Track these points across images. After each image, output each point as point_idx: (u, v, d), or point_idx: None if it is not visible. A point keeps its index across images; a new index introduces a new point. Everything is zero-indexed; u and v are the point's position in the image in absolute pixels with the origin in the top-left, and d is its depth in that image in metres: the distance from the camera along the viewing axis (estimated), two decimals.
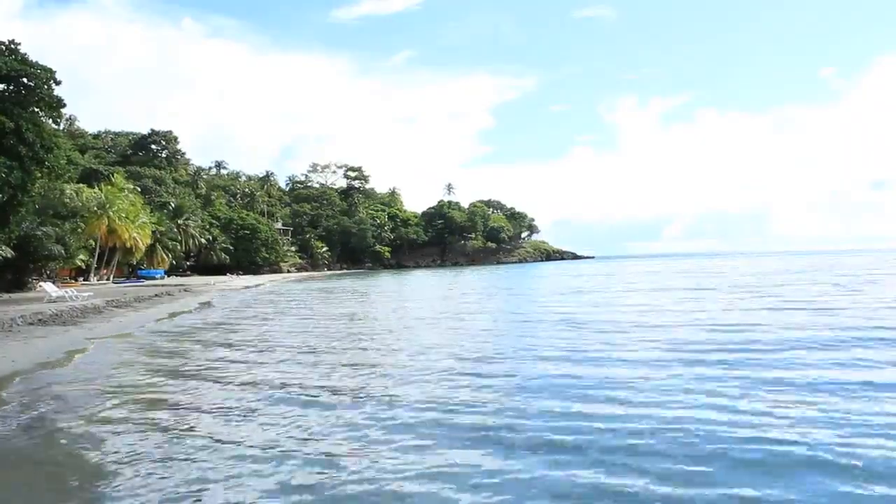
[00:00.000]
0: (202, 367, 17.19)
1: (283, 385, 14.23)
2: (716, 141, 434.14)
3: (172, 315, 34.76)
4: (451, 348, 19.36)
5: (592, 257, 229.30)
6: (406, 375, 15.00)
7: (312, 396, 13.04)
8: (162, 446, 9.84)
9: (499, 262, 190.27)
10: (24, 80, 32.43)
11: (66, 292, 37.23)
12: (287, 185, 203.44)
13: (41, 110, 34.30)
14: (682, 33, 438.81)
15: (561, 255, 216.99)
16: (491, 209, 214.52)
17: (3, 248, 44.46)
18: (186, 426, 10.97)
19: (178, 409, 12.40)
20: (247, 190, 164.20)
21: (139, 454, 9.40)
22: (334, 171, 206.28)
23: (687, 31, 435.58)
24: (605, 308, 32.64)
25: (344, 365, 16.87)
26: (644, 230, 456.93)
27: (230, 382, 14.87)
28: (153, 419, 11.56)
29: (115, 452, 9.51)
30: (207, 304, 43.51)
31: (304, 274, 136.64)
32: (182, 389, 14.28)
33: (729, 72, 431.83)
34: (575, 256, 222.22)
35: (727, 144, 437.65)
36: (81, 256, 66.15)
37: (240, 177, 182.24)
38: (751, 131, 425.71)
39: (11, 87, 32.46)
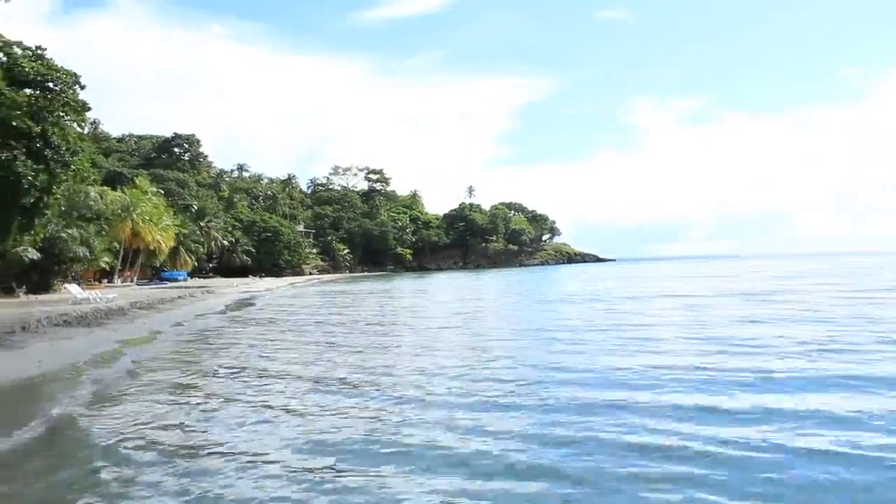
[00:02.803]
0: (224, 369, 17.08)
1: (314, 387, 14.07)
2: (735, 142, 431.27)
3: (198, 316, 34.85)
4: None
5: (614, 260, 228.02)
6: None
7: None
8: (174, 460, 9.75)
9: (520, 265, 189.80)
10: (50, 84, 32.62)
11: (91, 294, 37.37)
12: (309, 187, 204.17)
13: (66, 114, 34.48)
14: (702, 34, 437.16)
15: (582, 258, 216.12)
16: (512, 211, 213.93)
17: (30, 250, 44.77)
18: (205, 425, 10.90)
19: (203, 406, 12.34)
20: (269, 192, 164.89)
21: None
22: (356, 174, 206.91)
23: (706, 32, 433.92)
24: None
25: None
26: (663, 232, 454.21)
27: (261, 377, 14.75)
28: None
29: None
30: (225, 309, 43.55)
31: (327, 276, 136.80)
32: (209, 386, 14.17)
33: (748, 72, 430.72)
34: (596, 259, 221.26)
35: (746, 145, 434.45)
36: (105, 258, 66.47)
37: (262, 179, 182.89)
38: (770, 132, 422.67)
39: (37, 92, 32.61)
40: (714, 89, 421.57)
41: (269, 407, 12.40)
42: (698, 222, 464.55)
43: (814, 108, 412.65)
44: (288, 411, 12.04)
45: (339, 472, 8.61)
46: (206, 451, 9.69)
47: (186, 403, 13.05)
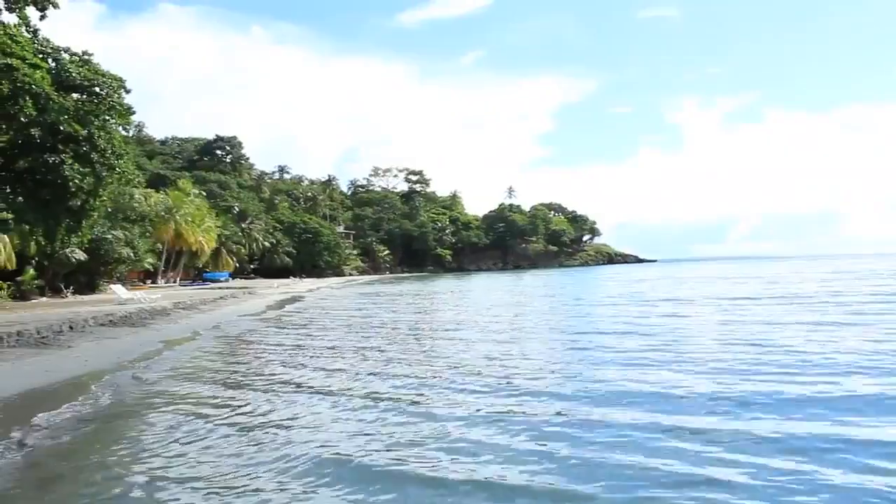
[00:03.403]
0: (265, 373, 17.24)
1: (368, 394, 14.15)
2: (782, 140, 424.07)
3: (240, 317, 35.20)
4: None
5: (655, 261, 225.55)
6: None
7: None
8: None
9: (560, 266, 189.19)
10: (96, 89, 33.14)
11: (136, 295, 37.94)
12: (349, 189, 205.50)
13: (112, 118, 35.00)
14: (748, 31, 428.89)
15: (623, 259, 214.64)
16: (552, 212, 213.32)
17: (77, 251, 45.64)
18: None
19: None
20: (309, 194, 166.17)
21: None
22: (395, 175, 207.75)
23: (753, 29, 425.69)
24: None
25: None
26: (708, 232, 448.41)
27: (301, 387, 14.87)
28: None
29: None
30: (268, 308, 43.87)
31: (367, 277, 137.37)
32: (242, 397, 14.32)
33: (796, 70, 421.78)
34: (637, 260, 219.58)
35: (794, 144, 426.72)
36: (149, 259, 67.55)
37: (302, 181, 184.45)
38: (818, 130, 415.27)
39: (84, 96, 33.17)
40: (760, 87, 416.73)
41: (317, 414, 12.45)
42: (744, 223, 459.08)
43: (864, 106, 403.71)
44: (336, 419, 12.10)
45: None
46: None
47: (226, 405, 13.20)
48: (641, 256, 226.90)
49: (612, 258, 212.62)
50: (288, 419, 11.43)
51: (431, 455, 9.07)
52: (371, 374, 15.75)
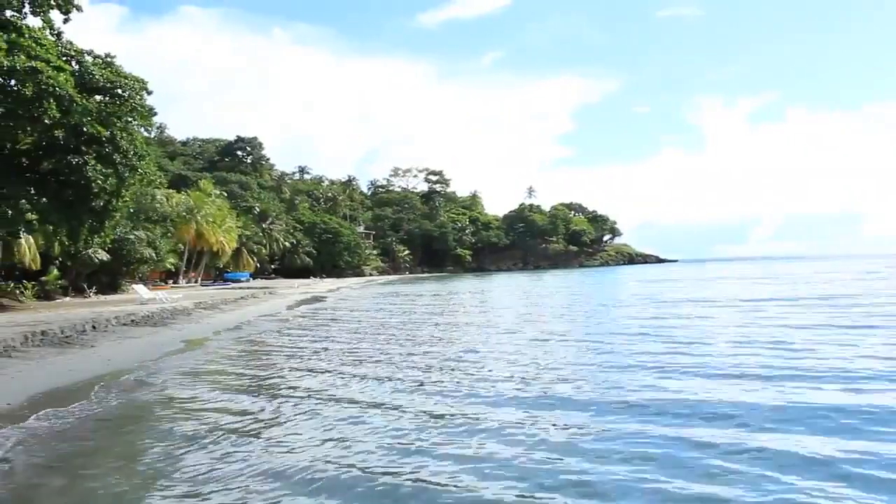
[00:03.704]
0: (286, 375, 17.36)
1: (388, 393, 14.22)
2: (805, 140, 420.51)
3: (261, 317, 35.43)
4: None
5: (676, 261, 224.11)
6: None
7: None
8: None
9: (580, 266, 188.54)
10: (119, 90, 33.40)
11: (157, 295, 38.25)
12: (369, 189, 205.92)
13: (134, 119, 35.29)
14: (770, 29, 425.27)
15: (644, 259, 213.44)
16: (572, 212, 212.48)
17: (100, 251, 46.07)
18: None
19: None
20: (329, 194, 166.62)
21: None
22: (415, 175, 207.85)
23: (775, 27, 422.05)
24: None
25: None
26: (730, 232, 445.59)
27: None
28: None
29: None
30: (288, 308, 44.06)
31: (387, 277, 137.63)
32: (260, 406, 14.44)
33: (819, 68, 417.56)
34: (658, 260, 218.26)
35: (816, 143, 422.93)
36: (171, 259, 68.04)
37: (322, 181, 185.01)
38: (841, 129, 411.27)
39: (107, 98, 33.47)
40: (782, 86, 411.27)
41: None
42: (766, 223, 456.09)
43: (887, 105, 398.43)
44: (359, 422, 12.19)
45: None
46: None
47: (248, 404, 13.34)
48: (662, 257, 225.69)
49: (633, 258, 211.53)
50: (309, 430, 11.23)
51: (454, 469, 8.72)
52: (390, 380, 15.34)
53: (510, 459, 8.98)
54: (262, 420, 11.68)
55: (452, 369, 16.42)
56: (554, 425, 10.70)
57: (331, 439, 10.28)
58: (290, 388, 14.67)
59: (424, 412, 11.83)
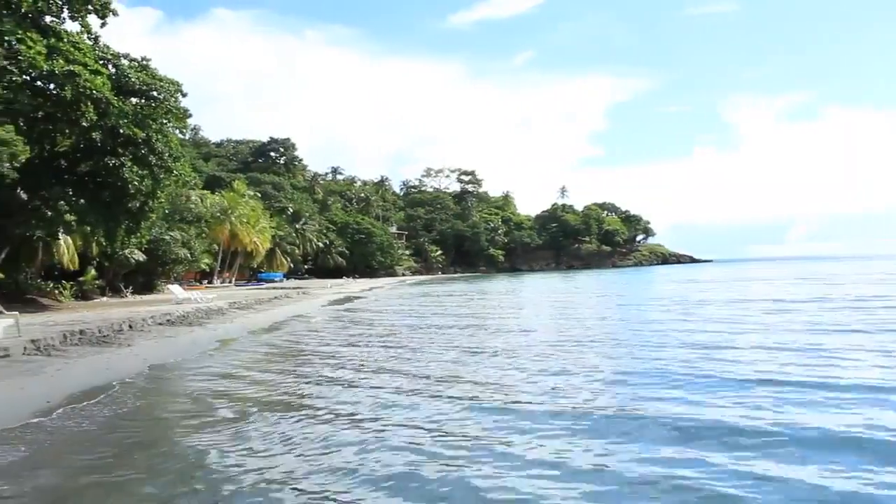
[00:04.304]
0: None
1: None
2: (843, 138, 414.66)
3: (294, 317, 35.68)
4: None
5: (710, 261, 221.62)
6: None
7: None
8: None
9: (613, 266, 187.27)
10: (154, 93, 33.88)
11: (192, 295, 38.65)
12: (401, 189, 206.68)
13: (169, 121, 35.77)
14: (807, 26, 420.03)
15: (677, 259, 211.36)
16: (605, 212, 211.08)
17: (136, 252, 46.67)
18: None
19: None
20: (362, 195, 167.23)
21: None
22: (447, 176, 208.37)
23: (811, 24, 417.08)
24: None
25: None
26: (766, 232, 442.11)
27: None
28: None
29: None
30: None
31: (419, 277, 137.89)
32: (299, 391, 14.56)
33: (857, 66, 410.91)
34: (692, 260, 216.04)
35: (855, 141, 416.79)
36: (205, 260, 68.67)
37: (355, 182, 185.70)
38: (879, 127, 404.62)
39: (142, 101, 33.95)
40: (820, 84, 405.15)
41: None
42: (803, 223, 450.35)
43: None
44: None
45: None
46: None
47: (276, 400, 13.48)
48: (696, 257, 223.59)
49: (667, 258, 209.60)
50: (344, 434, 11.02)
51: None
52: (423, 391, 14.13)
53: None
54: (298, 418, 11.80)
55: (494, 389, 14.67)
56: (587, 450, 9.44)
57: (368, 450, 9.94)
58: (323, 387, 14.81)
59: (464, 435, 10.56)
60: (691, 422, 10.54)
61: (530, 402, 12.46)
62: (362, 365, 17.88)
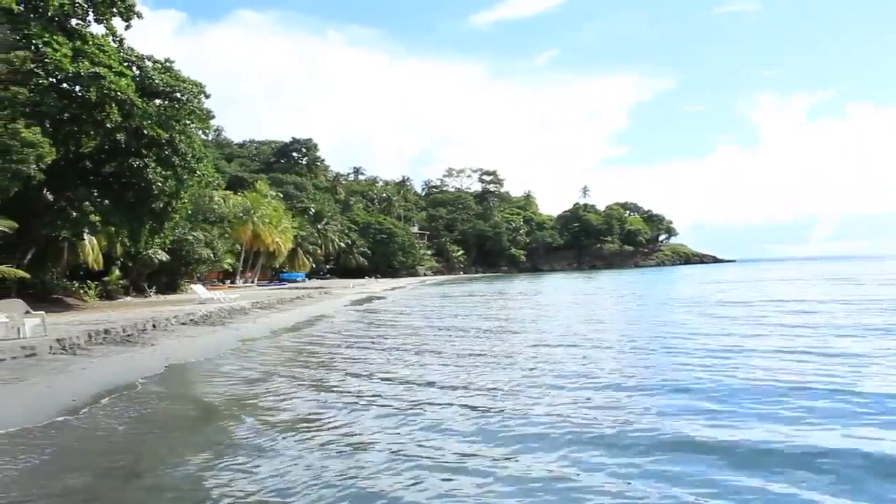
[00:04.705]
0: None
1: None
2: (867, 137, 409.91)
3: (317, 317, 35.85)
4: None
5: (733, 261, 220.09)
6: None
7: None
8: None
9: (635, 266, 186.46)
10: (178, 94, 34.20)
11: (215, 294, 38.88)
12: (423, 189, 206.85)
13: (192, 122, 36.07)
14: (830, 24, 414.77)
15: (700, 259, 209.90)
16: (627, 212, 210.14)
17: (160, 252, 47.02)
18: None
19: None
20: (384, 195, 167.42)
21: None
22: (469, 175, 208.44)
23: (834, 22, 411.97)
24: None
25: None
26: (789, 232, 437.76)
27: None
28: None
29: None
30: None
31: (441, 277, 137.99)
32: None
33: (881, 63, 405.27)
34: (715, 260, 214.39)
35: (879, 140, 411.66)
36: (228, 260, 68.98)
37: (377, 182, 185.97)
38: None
39: (166, 102, 34.26)
40: (843, 82, 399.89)
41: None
42: (826, 222, 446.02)
43: None
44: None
45: None
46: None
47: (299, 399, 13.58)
48: (719, 257, 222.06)
49: (689, 258, 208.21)
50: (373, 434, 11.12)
51: None
52: (443, 394, 13.91)
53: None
54: (323, 419, 11.90)
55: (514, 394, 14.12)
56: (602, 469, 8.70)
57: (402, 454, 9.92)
58: (348, 387, 14.92)
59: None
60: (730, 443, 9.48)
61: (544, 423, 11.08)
62: (382, 369, 17.94)
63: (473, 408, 12.30)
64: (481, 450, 9.67)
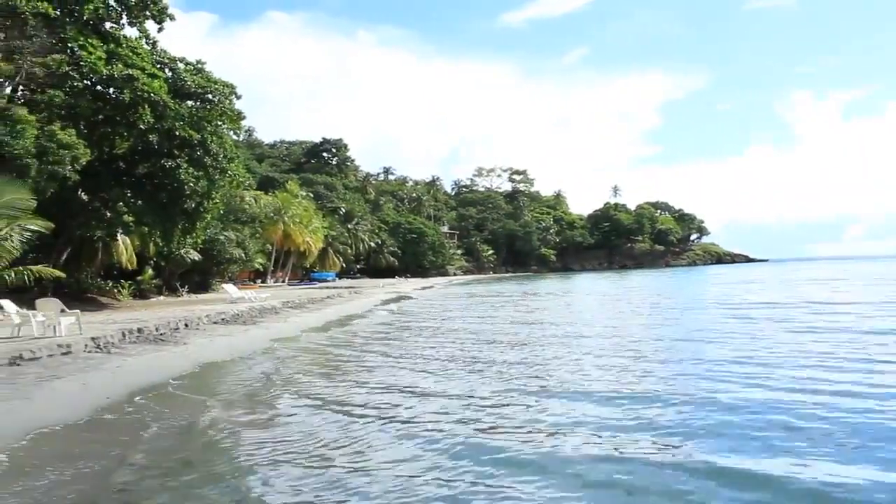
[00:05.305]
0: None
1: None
2: None
3: (347, 317, 35.96)
4: None
5: (766, 260, 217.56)
6: None
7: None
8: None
9: (667, 265, 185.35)
10: (209, 96, 34.52)
11: (246, 294, 39.16)
12: (453, 189, 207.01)
13: (224, 123, 36.39)
14: (866, 20, 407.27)
15: (732, 259, 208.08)
16: (658, 211, 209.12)
17: (192, 251, 47.51)
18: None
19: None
20: (413, 195, 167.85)
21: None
22: (499, 175, 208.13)
23: (871, 18, 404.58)
24: None
25: None
26: (823, 231, 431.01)
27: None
28: None
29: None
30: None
31: (471, 277, 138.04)
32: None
33: None
34: (747, 259, 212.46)
35: None
36: (259, 259, 69.44)
37: (407, 182, 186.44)
38: None
39: (198, 103, 34.59)
40: (879, 79, 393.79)
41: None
42: (862, 221, 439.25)
43: None
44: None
45: None
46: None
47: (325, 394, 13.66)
48: (752, 256, 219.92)
49: (721, 258, 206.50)
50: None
51: None
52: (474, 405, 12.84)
53: None
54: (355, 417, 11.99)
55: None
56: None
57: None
58: (379, 393, 15.00)
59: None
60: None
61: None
62: (414, 370, 18.00)
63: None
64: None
